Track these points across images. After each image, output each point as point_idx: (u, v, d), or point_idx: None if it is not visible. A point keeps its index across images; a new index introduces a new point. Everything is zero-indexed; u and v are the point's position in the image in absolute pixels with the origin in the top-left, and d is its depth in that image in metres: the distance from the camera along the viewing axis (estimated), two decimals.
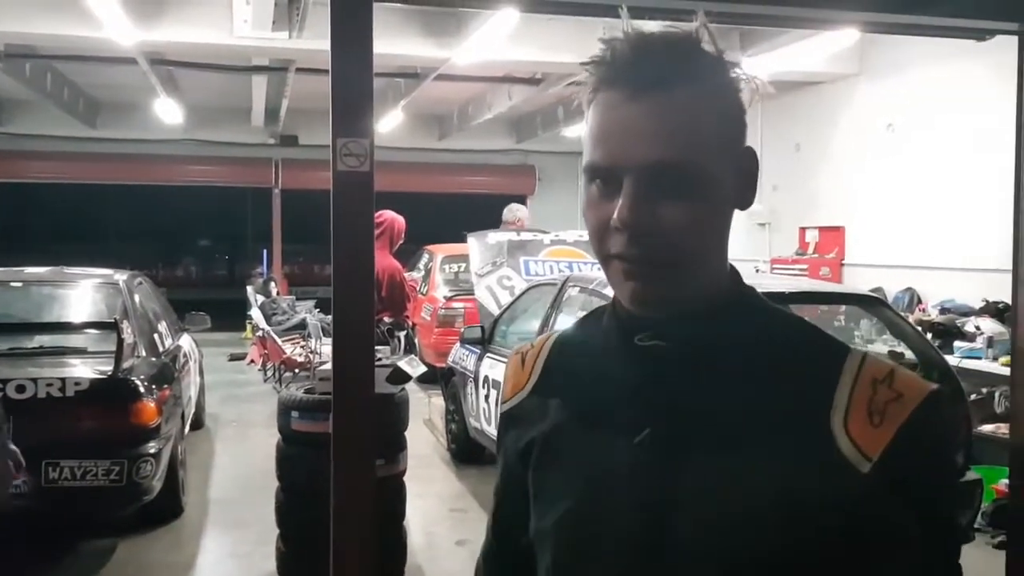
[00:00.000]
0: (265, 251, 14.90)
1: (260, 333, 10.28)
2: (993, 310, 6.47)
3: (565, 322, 5.02)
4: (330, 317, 8.93)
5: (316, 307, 11.10)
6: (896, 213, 8.19)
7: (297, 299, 11.81)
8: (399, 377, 4.27)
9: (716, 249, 0.91)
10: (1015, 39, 4.17)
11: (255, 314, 10.62)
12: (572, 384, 0.99)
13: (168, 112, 11.24)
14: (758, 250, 9.85)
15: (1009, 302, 5.75)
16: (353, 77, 3.46)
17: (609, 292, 3.74)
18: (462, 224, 9.17)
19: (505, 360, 5.04)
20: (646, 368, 0.91)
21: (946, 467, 0.89)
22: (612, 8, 4.02)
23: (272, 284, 13.36)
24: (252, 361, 10.89)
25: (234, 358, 11.38)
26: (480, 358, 5.97)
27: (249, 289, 12.09)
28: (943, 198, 7.57)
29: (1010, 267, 4.37)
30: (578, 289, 5.06)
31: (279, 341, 9.64)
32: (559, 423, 0.98)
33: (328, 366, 4.77)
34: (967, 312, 6.78)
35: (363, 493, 3.62)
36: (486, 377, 5.72)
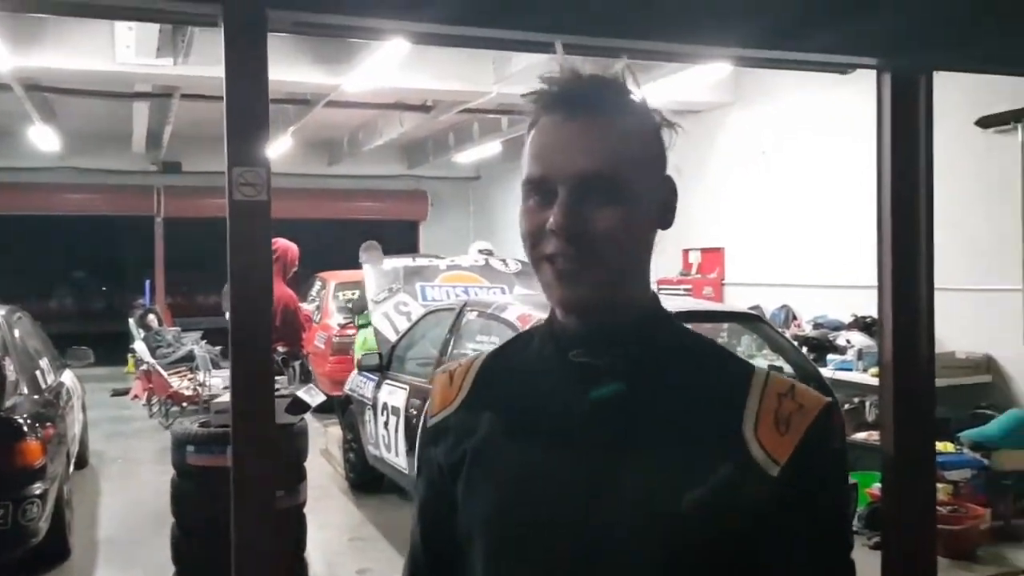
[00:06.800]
0: (148, 281, 14.38)
1: (144, 367, 9.93)
2: (862, 324, 6.90)
3: (464, 347, 5.09)
4: (219, 348, 8.78)
5: (203, 338, 10.80)
6: (771, 234, 8.62)
7: (183, 330, 11.45)
8: (298, 407, 4.25)
9: (639, 261, 1.02)
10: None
11: (139, 347, 10.25)
12: (504, 397, 1.07)
13: (43, 139, 10.78)
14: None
15: (876, 317, 6.19)
16: (248, 106, 3.44)
17: (507, 316, 3.88)
18: (355, 251, 9.12)
19: (404, 387, 5.06)
20: (578, 384, 1.00)
21: (842, 467, 1.02)
22: (496, 40, 4.16)
23: (152, 316, 12.88)
24: (136, 396, 10.47)
25: (117, 393, 10.94)
26: (378, 385, 5.96)
27: (131, 321, 11.66)
28: (814, 219, 8.03)
29: (874, 283, 4.72)
30: (476, 313, 5.13)
31: (165, 374, 9.34)
32: (491, 433, 1.05)
33: (223, 398, 4.70)
34: (838, 327, 7.20)
35: (264, 527, 3.57)
36: (385, 404, 5.72)
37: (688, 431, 0.96)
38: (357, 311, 8.52)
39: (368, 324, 8.29)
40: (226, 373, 9.24)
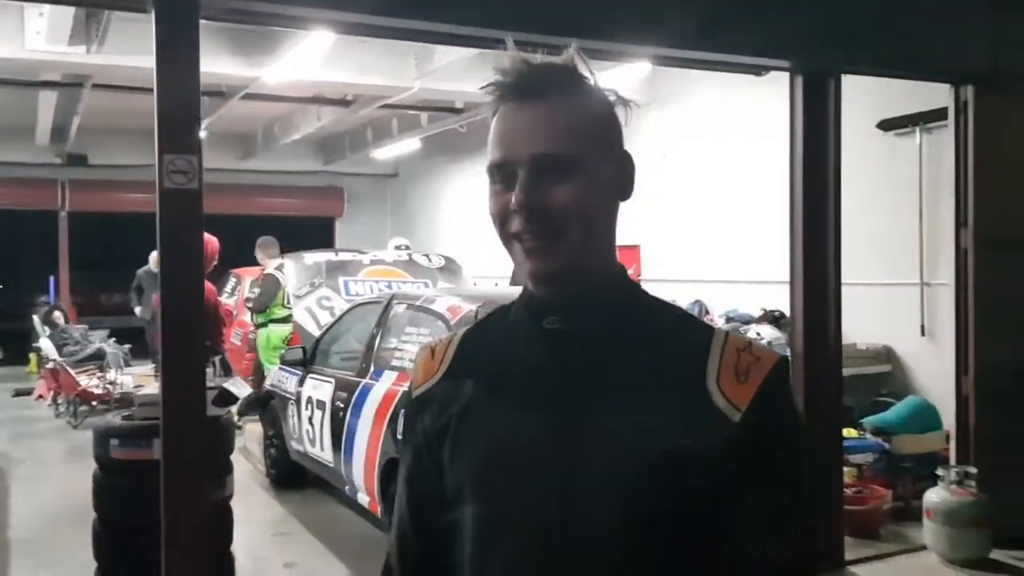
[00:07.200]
0: (52, 278, 13.85)
1: (51, 365, 9.60)
2: (771, 318, 7.21)
3: (392, 340, 5.12)
4: (127, 346, 8.51)
5: (110, 336, 10.54)
6: (685, 232, 8.89)
7: (89, 328, 11.13)
8: (226, 399, 4.21)
9: (601, 232, 1.10)
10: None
11: (45, 345, 9.91)
12: (484, 366, 1.14)
13: None
14: None
15: (783, 310, 6.48)
16: (180, 93, 3.44)
17: (437, 307, 3.97)
18: None
19: (329, 380, 5.04)
20: (552, 348, 1.08)
21: (796, 414, 1.10)
22: (422, 33, 4.22)
23: (58, 313, 12.45)
24: (41, 396, 10.10)
25: (20, 393, 10.53)
26: (302, 380, 5.92)
27: (36, 319, 11.25)
28: (726, 217, 8.32)
29: (782, 279, 4.95)
30: (405, 306, 5.15)
31: (73, 373, 9.05)
32: (473, 399, 1.12)
33: (147, 390, 4.61)
34: (748, 320, 7.49)
35: (197, 519, 3.56)
36: (309, 398, 5.69)
37: (656, 387, 1.04)
38: (258, 309, 8.39)
39: (267, 323, 8.24)
40: (136, 371, 9.02)
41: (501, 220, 1.08)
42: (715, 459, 1.01)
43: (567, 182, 1.04)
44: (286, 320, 8.42)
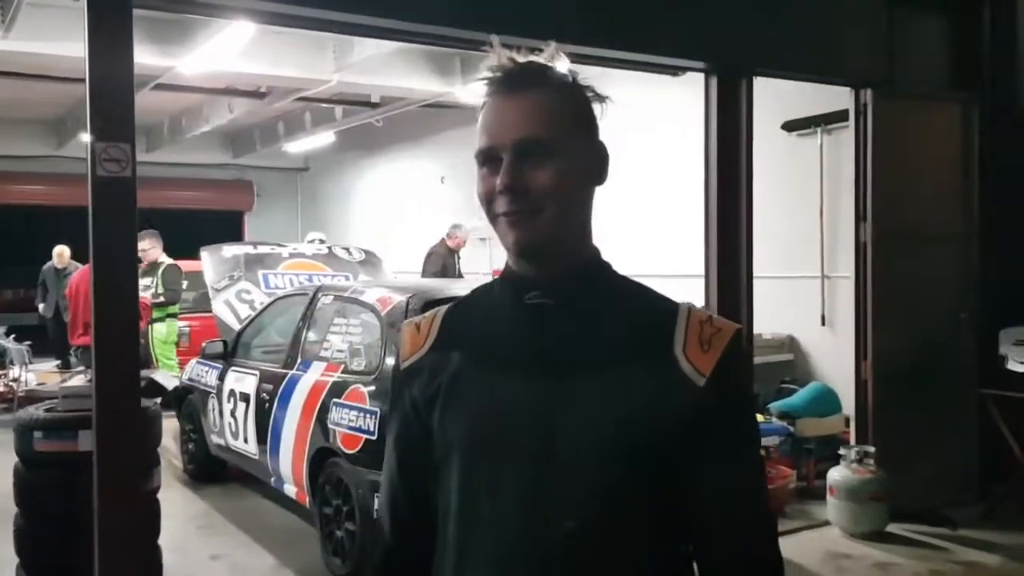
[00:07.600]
0: None
1: None
2: None
3: (318, 331, 5.13)
4: (27, 343, 8.26)
5: (8, 334, 10.16)
6: (601, 226, 9.10)
7: None
8: (154, 390, 4.18)
9: (578, 213, 1.22)
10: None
11: None
12: (470, 337, 1.25)
13: None
14: (481, 263, 10.46)
15: (696, 303, 6.74)
16: (113, 80, 3.42)
17: (366, 299, 4.07)
18: (177, 241, 8.85)
19: (254, 372, 5.02)
20: (534, 321, 1.19)
21: (750, 379, 1.25)
22: (344, 25, 4.26)
23: None
24: None
25: None
26: (223, 373, 5.87)
27: None
28: (641, 213, 8.57)
29: (696, 272, 5.17)
30: (331, 298, 5.17)
31: None
32: (461, 368, 1.22)
33: (74, 381, 4.53)
34: None
35: (130, 512, 3.53)
36: (232, 391, 5.65)
37: (629, 355, 1.17)
38: (174, 301, 8.23)
39: (164, 318, 8.12)
40: (40, 368, 8.77)
41: (488, 201, 1.19)
42: (682, 421, 1.14)
43: (546, 165, 1.15)
44: (177, 315, 8.30)
